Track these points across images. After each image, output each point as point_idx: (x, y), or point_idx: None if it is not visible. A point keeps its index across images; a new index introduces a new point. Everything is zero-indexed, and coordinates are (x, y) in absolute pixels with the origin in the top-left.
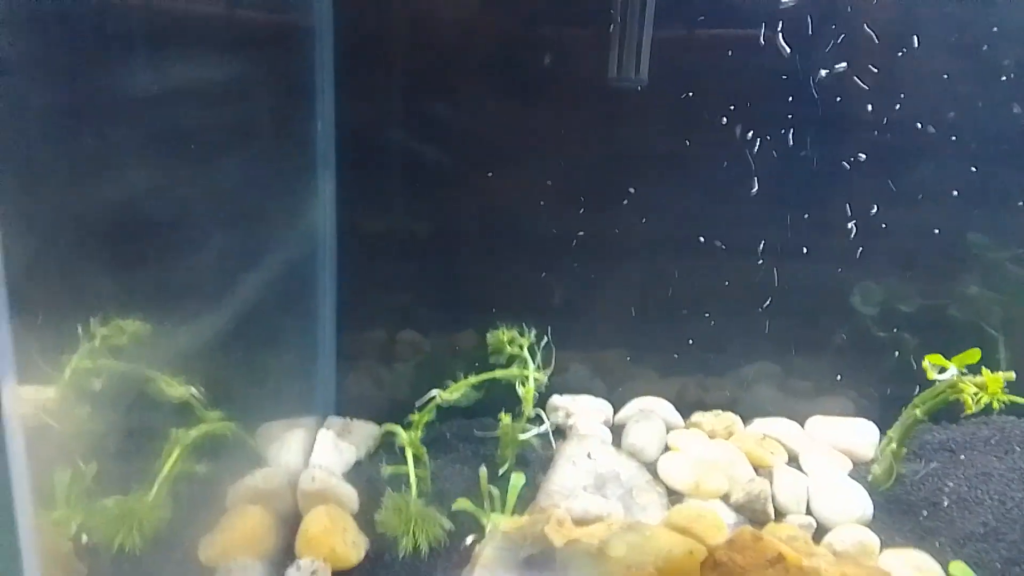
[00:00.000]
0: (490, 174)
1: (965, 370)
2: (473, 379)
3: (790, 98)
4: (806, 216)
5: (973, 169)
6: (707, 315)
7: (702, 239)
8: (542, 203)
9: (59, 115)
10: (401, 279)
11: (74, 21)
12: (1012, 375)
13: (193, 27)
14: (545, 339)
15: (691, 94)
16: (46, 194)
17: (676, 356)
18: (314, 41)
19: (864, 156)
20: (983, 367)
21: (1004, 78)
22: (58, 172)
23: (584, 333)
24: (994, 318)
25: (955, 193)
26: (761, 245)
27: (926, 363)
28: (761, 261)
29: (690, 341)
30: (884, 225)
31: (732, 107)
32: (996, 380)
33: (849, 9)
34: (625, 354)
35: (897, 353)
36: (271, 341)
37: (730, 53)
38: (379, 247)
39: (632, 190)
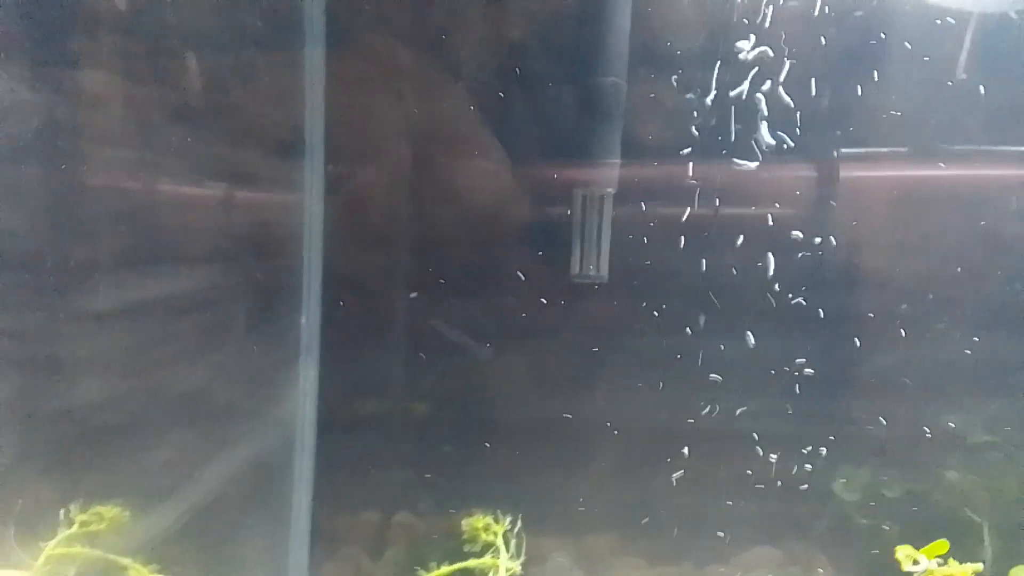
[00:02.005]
0: (475, 359)
1: (941, 561)
2: (445, 570)
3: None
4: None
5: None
6: (699, 502)
7: (691, 420)
8: (525, 388)
9: (64, 317)
10: (381, 463)
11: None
12: (980, 567)
13: (185, 239)
14: (518, 526)
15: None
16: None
17: (665, 546)
18: (302, 240)
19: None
20: (951, 559)
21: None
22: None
23: (565, 519)
24: (978, 503)
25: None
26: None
27: (898, 554)
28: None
29: (678, 529)
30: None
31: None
32: (964, 573)
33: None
34: (611, 542)
35: (881, 541)
36: (242, 528)
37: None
38: (359, 432)
39: (615, 378)
